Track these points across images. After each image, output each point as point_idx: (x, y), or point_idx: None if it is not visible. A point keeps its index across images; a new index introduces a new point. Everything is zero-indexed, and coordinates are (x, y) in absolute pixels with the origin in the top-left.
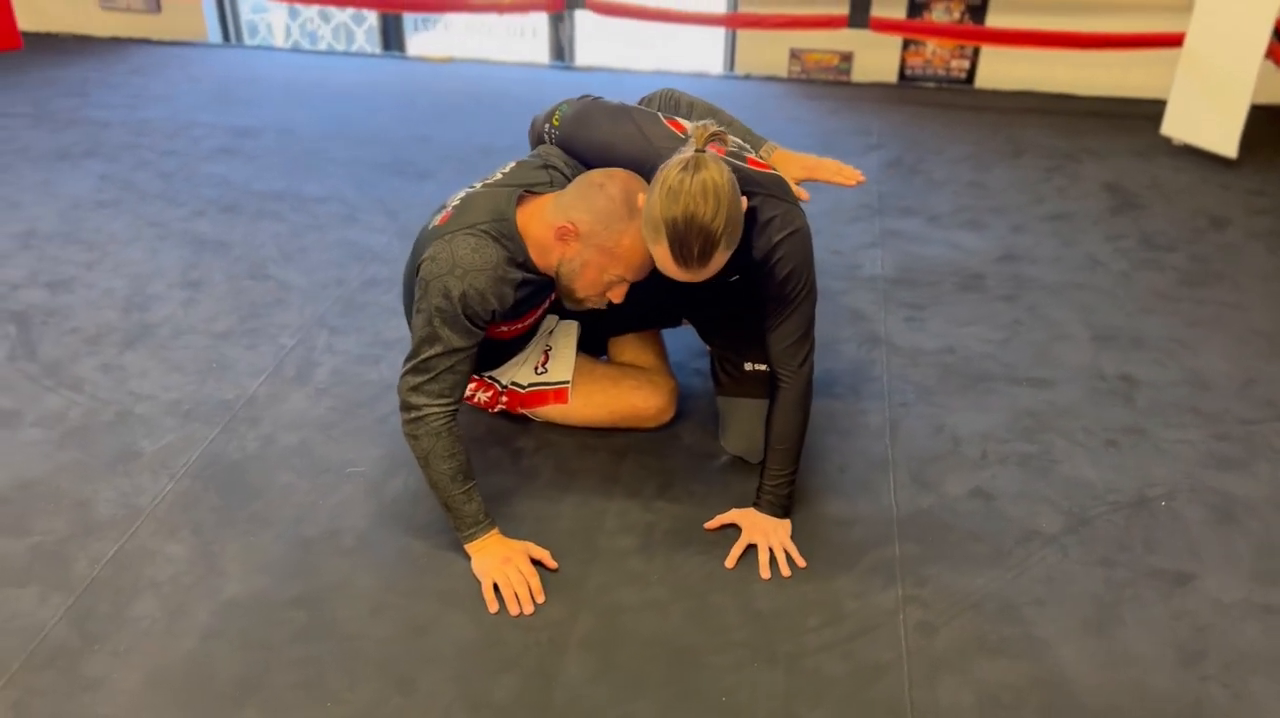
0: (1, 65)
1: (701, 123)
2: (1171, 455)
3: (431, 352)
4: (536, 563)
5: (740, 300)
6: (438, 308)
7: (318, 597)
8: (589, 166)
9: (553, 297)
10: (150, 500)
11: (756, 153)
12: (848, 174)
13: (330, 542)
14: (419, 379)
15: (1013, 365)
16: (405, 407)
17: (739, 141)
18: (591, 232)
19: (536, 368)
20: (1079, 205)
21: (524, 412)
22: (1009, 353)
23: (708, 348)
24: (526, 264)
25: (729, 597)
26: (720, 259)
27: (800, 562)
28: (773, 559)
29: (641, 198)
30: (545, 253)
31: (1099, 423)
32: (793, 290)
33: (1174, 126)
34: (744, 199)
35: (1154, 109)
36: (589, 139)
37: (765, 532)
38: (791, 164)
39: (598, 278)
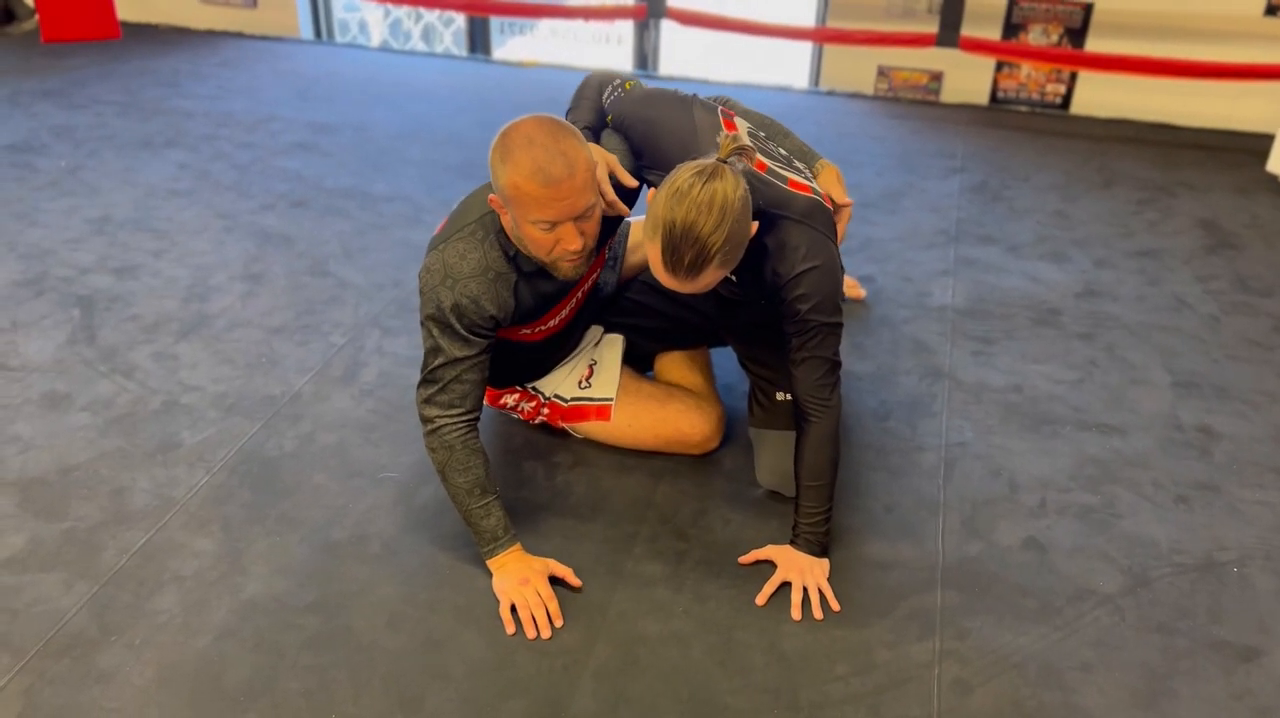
0: (100, 54)
1: (732, 135)
2: (1247, 518)
3: (436, 362)
4: (560, 582)
5: (776, 324)
6: (433, 317)
7: (336, 603)
8: (631, 143)
9: (580, 296)
10: (185, 493)
11: (809, 169)
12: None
13: (355, 547)
14: (429, 391)
15: (1083, 409)
16: (421, 419)
17: (787, 159)
18: (499, 190)
19: (580, 382)
20: (1170, 242)
21: (565, 426)
22: (1080, 395)
23: (746, 373)
24: (518, 257)
25: (755, 635)
26: (712, 276)
27: (834, 605)
28: (806, 600)
29: (513, 132)
30: (515, 237)
31: (1170, 477)
32: (815, 323)
33: None
34: (753, 224)
35: (1259, 144)
36: (644, 115)
37: (801, 570)
38: (833, 188)
39: (532, 233)
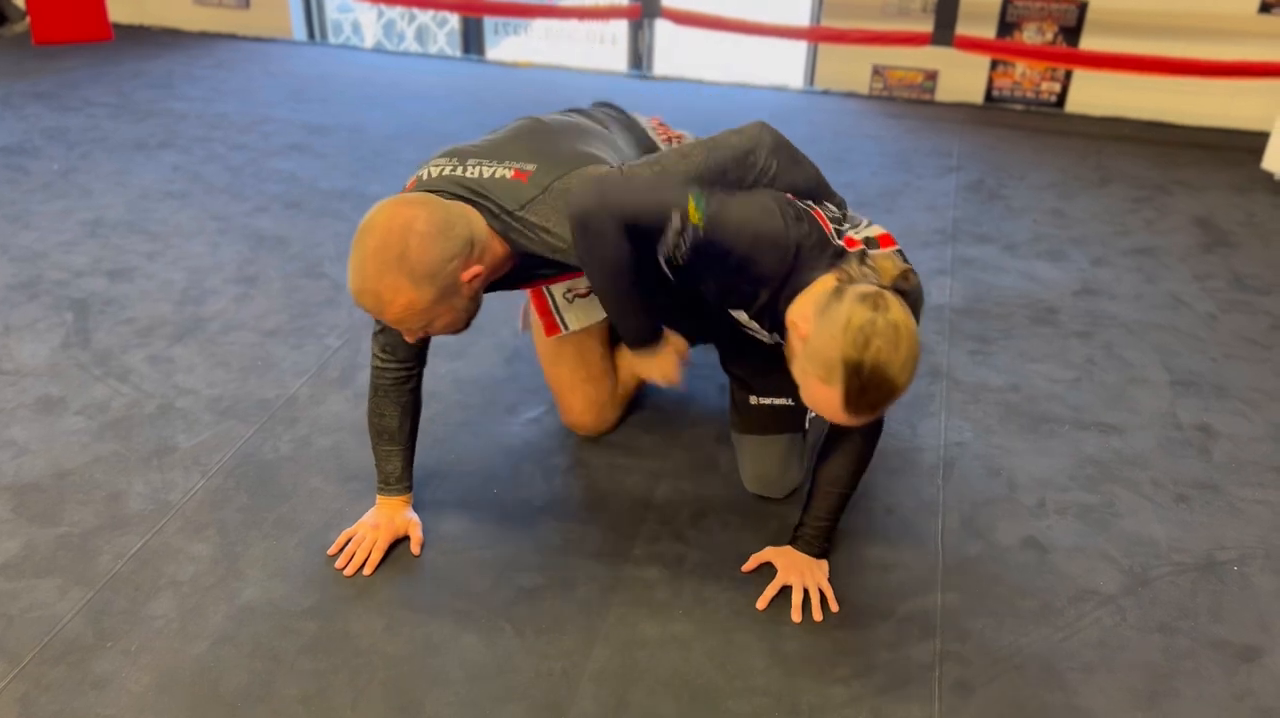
0: (92, 56)
1: (892, 257)
2: (1247, 516)
3: None
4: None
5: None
6: None
7: (333, 608)
8: (726, 258)
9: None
10: (181, 497)
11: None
12: None
13: None
14: (376, 328)
15: (1081, 408)
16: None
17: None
18: None
19: (570, 294)
20: (1166, 240)
21: (529, 309)
22: (1078, 394)
23: (727, 375)
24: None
25: (755, 638)
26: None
27: (834, 606)
28: (805, 601)
29: (360, 239)
30: None
31: (1169, 476)
32: None
33: (1276, 161)
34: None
35: (1256, 142)
36: (738, 228)
37: (802, 571)
38: None
39: None
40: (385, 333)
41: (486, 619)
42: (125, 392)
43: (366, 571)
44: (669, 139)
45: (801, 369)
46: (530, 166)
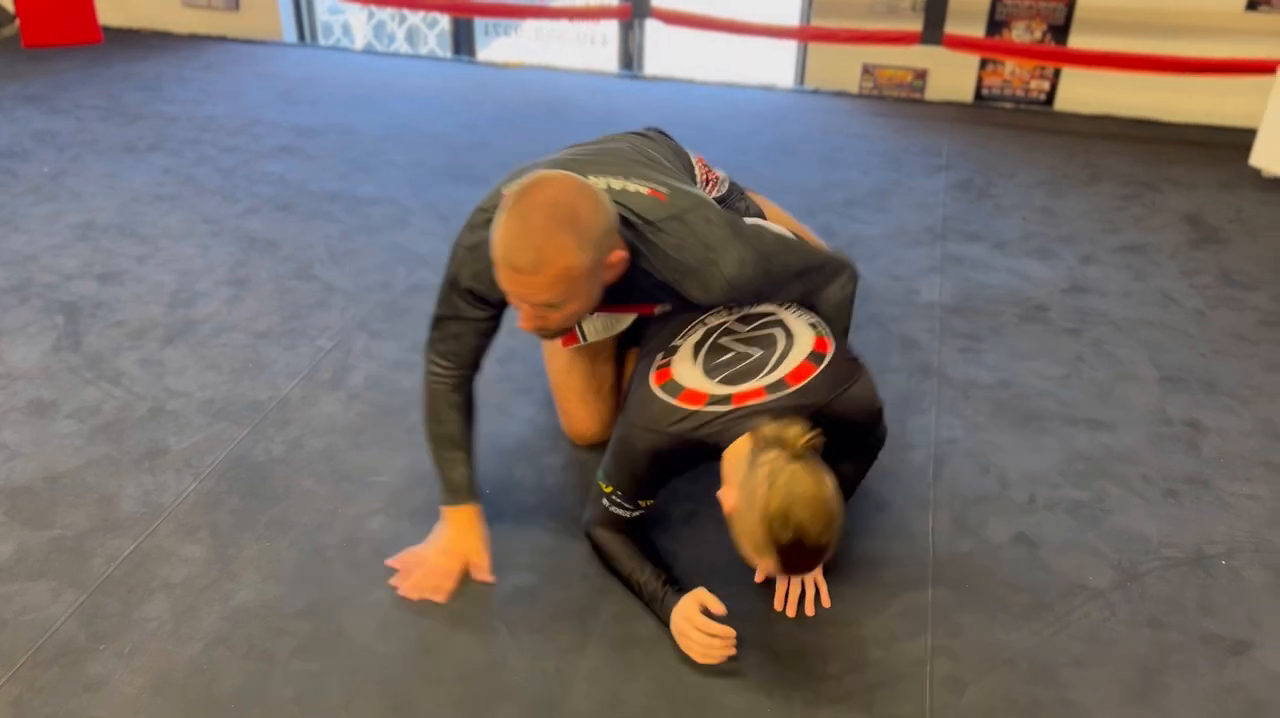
0: (82, 59)
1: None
2: (1236, 511)
3: (443, 313)
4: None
5: None
6: (452, 274)
7: (327, 608)
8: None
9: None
10: (173, 499)
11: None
12: None
13: (346, 552)
14: (432, 334)
15: (1071, 404)
16: (424, 359)
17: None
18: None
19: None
20: (1155, 237)
21: None
22: (1068, 391)
23: None
24: None
25: (748, 634)
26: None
27: (826, 601)
28: (801, 599)
29: (526, 196)
30: None
31: (1159, 471)
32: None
33: (1264, 157)
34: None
35: (1244, 139)
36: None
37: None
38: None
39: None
40: (445, 342)
41: (480, 619)
42: (117, 394)
43: (439, 598)
44: (708, 179)
45: (736, 539)
46: (662, 189)
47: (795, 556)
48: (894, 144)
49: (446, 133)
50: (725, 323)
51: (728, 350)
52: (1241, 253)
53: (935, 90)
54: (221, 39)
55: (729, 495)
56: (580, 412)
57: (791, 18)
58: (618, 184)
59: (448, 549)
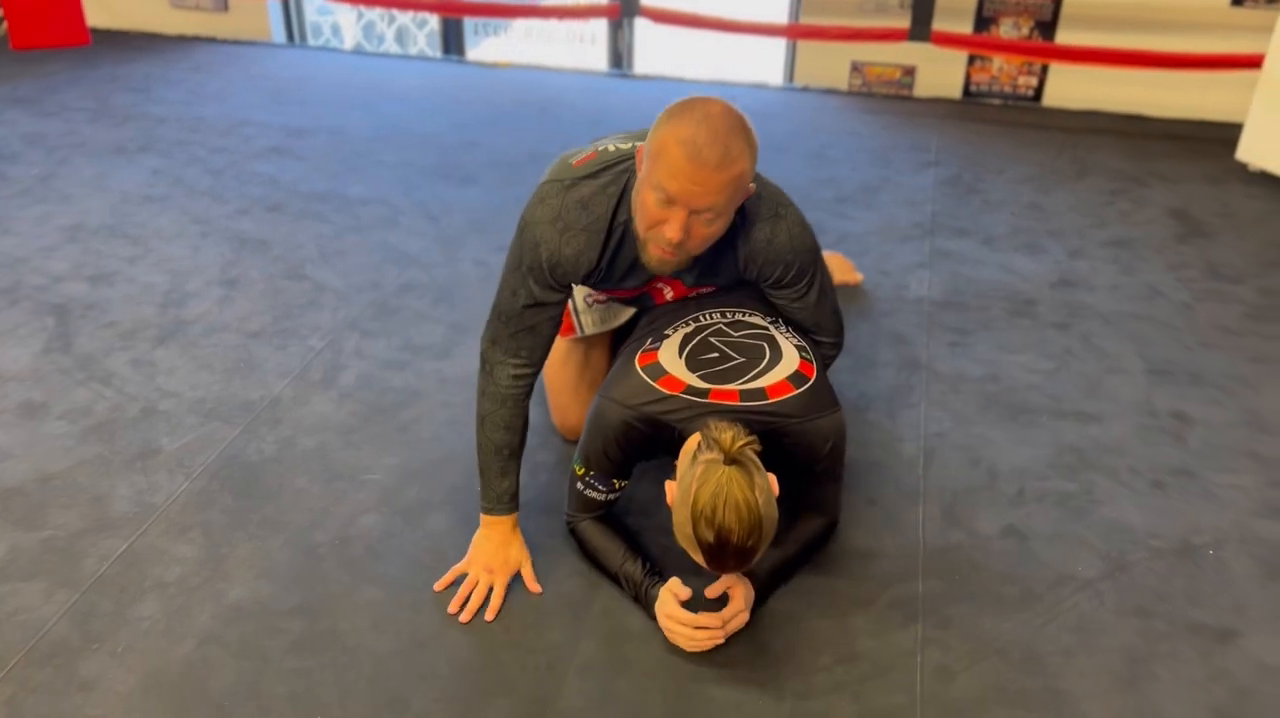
0: (70, 60)
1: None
2: (1222, 502)
3: (519, 303)
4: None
5: None
6: (524, 255)
7: (320, 606)
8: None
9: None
10: (165, 499)
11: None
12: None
13: (338, 550)
14: (500, 329)
15: (1059, 397)
16: (481, 359)
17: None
18: (649, 142)
19: (590, 299)
20: (1142, 231)
21: None
22: (1056, 384)
23: None
24: (627, 225)
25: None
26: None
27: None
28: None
29: (699, 104)
30: (635, 200)
31: (1146, 463)
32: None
33: (1250, 152)
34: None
35: (1229, 133)
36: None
37: (747, 595)
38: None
39: (647, 197)
40: (520, 337)
41: (474, 616)
42: (108, 395)
43: (488, 617)
44: None
45: (675, 532)
46: None
47: (720, 555)
48: (883, 141)
49: (436, 133)
50: (717, 324)
51: (714, 350)
52: (1227, 246)
53: (924, 87)
54: (210, 40)
55: (671, 487)
56: (572, 404)
57: (780, 15)
58: None
59: (490, 567)
